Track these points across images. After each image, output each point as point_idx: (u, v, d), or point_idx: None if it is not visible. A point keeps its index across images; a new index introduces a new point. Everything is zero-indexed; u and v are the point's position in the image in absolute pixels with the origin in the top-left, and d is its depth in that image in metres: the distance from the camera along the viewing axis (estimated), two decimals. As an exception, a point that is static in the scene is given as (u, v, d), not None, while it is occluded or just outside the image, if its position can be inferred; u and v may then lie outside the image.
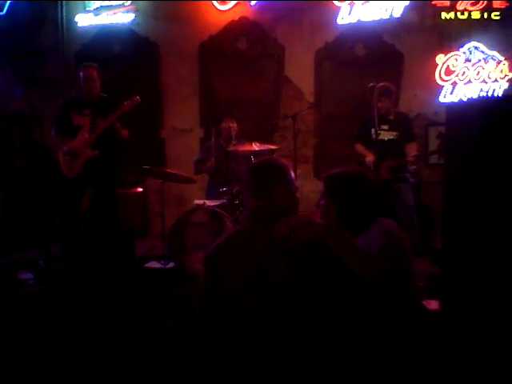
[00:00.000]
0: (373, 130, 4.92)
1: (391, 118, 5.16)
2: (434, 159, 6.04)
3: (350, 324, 1.84)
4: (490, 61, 6.26)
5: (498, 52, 6.25)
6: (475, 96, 6.23)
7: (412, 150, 5.17)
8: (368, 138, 4.88)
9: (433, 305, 3.35)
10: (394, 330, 2.08)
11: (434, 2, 6.31)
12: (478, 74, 6.29)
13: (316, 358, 1.77)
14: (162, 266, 4.68)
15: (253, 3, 6.64)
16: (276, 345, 1.77)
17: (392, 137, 5.11)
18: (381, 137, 5.09)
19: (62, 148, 4.80)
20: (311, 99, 6.76)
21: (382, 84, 5.04)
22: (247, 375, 1.80)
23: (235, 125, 5.49)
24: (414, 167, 5.14)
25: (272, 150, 5.54)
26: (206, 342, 1.90)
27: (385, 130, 5.10)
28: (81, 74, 4.88)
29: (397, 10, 6.30)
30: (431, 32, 6.43)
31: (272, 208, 1.97)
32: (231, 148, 5.23)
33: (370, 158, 4.97)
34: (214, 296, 1.87)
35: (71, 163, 4.77)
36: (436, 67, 6.33)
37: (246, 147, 5.10)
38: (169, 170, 5.32)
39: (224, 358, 1.84)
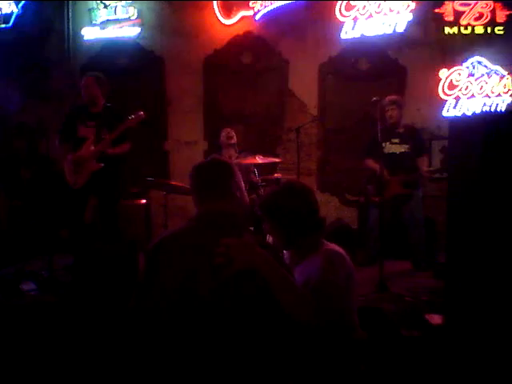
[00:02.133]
0: (383, 144, 4.93)
1: (401, 131, 5.18)
2: (435, 173, 6.04)
3: (263, 351, 1.80)
4: (494, 75, 6.27)
5: (502, 66, 6.26)
6: (478, 110, 6.24)
7: (424, 163, 5.19)
8: (379, 153, 4.85)
9: (436, 319, 3.34)
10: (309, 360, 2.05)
11: (437, 10, 6.35)
12: (481, 88, 6.31)
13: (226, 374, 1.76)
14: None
15: (257, 18, 6.70)
16: (193, 346, 1.78)
17: (403, 150, 5.12)
18: (392, 150, 5.11)
19: (66, 157, 4.80)
20: (315, 113, 6.79)
21: (392, 96, 5.14)
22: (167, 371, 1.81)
23: (233, 134, 5.51)
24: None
25: (275, 163, 5.57)
26: (134, 331, 1.90)
27: (396, 143, 5.12)
28: (81, 83, 4.92)
29: (400, 24, 6.34)
30: (434, 47, 6.46)
31: (220, 213, 1.95)
32: (234, 161, 5.24)
33: (383, 171, 4.95)
34: (148, 287, 1.87)
35: (76, 174, 4.75)
36: (439, 81, 6.34)
37: (249, 160, 5.12)
38: (173, 182, 5.33)
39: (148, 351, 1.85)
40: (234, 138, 5.51)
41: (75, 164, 4.74)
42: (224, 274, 1.72)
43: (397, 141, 5.13)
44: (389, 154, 5.06)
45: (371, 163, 5.16)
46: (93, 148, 4.72)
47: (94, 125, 4.77)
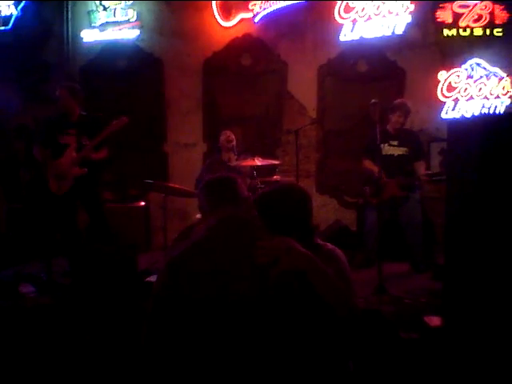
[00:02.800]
0: (382, 146, 4.93)
1: (400, 134, 5.19)
2: (435, 176, 6.05)
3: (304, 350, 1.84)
4: (492, 77, 6.28)
5: (500, 68, 6.27)
6: (477, 112, 6.25)
7: (421, 167, 5.20)
8: (377, 154, 4.84)
9: (435, 321, 3.34)
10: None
11: (435, 12, 6.37)
12: (479, 90, 6.31)
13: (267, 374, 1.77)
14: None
15: (256, 20, 6.70)
16: (228, 358, 1.76)
17: (401, 152, 5.13)
18: (390, 152, 5.12)
19: (47, 166, 4.83)
20: (314, 115, 6.79)
21: (402, 101, 5.20)
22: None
23: (233, 137, 5.51)
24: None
25: (274, 165, 5.57)
26: (152, 347, 1.86)
27: (394, 145, 5.14)
28: (58, 92, 4.93)
29: (399, 27, 6.35)
30: (433, 49, 6.47)
31: (237, 219, 1.96)
32: (233, 163, 5.25)
33: (379, 172, 4.96)
34: (170, 302, 1.83)
35: (60, 181, 4.80)
36: (438, 83, 6.35)
37: (248, 162, 5.12)
38: (171, 185, 5.33)
39: (169, 364, 1.83)
40: (234, 141, 5.52)
41: (58, 171, 4.78)
42: (271, 274, 1.70)
43: (395, 143, 5.14)
44: (386, 155, 5.07)
45: (369, 164, 5.17)
46: (75, 154, 4.78)
47: (74, 132, 4.82)
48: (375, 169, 4.93)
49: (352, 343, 2.05)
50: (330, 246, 2.22)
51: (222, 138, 5.51)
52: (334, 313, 1.77)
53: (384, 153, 5.04)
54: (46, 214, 5.45)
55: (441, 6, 6.36)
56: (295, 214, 2.15)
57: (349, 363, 2.15)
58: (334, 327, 1.85)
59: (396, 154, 5.13)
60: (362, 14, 6.41)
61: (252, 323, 1.76)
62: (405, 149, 5.13)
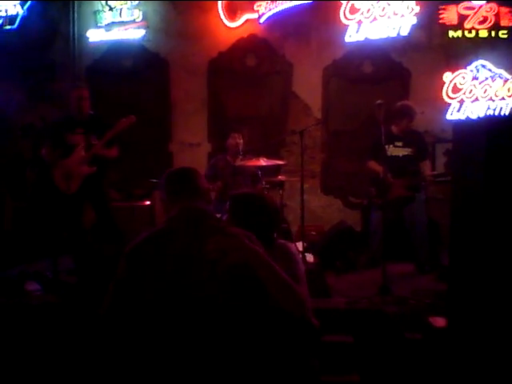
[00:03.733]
0: (387, 147, 4.93)
1: (405, 134, 5.19)
2: (440, 177, 6.04)
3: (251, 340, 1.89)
4: (497, 79, 6.28)
5: (505, 70, 6.27)
6: (482, 114, 6.25)
7: (427, 167, 5.19)
8: (382, 155, 4.84)
9: (439, 322, 3.34)
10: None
11: (441, 13, 6.37)
12: (485, 91, 6.31)
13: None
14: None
15: (262, 21, 6.72)
16: (183, 345, 1.81)
17: (406, 153, 5.12)
18: (395, 153, 5.11)
19: (56, 166, 4.83)
20: (319, 115, 6.80)
21: (409, 105, 5.18)
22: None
23: (241, 141, 5.53)
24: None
25: (279, 165, 5.58)
26: (110, 326, 1.93)
27: (399, 146, 5.13)
28: (74, 93, 4.90)
29: (404, 28, 6.35)
30: (438, 50, 6.48)
31: (195, 210, 2.00)
32: (238, 163, 5.26)
33: (384, 173, 4.96)
34: (133, 289, 1.87)
35: (68, 180, 4.79)
36: (443, 85, 6.35)
37: (253, 162, 5.13)
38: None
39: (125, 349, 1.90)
40: (241, 144, 5.52)
41: (67, 170, 4.78)
42: (219, 269, 1.77)
43: (400, 144, 5.14)
44: (392, 156, 5.06)
45: (374, 165, 5.16)
46: (84, 153, 4.77)
47: (82, 132, 4.81)
48: (380, 169, 4.93)
49: (305, 337, 2.14)
50: (280, 240, 2.41)
51: (231, 140, 5.52)
52: (280, 304, 1.84)
53: (389, 154, 5.04)
54: (52, 213, 5.46)
55: (446, 7, 6.36)
56: (264, 223, 2.34)
57: (311, 360, 2.24)
58: (283, 321, 1.93)
59: (401, 155, 5.12)
60: (367, 15, 6.42)
61: (202, 314, 1.81)
62: (410, 149, 5.12)
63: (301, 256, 5.07)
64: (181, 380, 1.80)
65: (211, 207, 2.18)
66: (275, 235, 2.42)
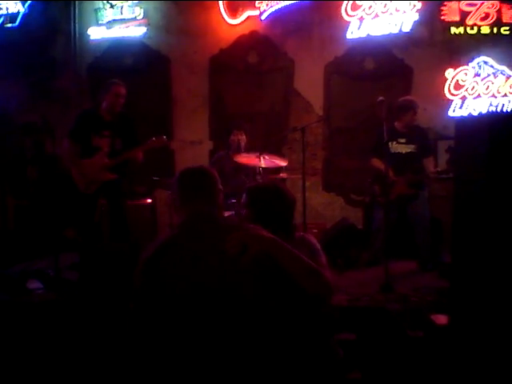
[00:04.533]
0: (390, 144, 4.92)
1: (408, 131, 5.17)
2: (443, 174, 6.02)
3: (284, 330, 1.93)
4: (500, 75, 6.26)
5: (508, 67, 6.25)
6: (484, 110, 6.23)
7: (430, 164, 5.18)
8: (385, 152, 4.82)
9: (441, 319, 3.34)
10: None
11: (442, 10, 6.35)
12: (487, 88, 6.29)
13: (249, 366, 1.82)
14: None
15: (263, 17, 6.70)
16: (208, 349, 1.81)
17: (410, 150, 5.11)
18: (398, 150, 5.10)
19: (77, 166, 4.78)
20: (320, 112, 6.79)
21: (412, 99, 5.17)
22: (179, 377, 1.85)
23: (244, 137, 5.52)
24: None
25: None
26: (138, 345, 1.94)
27: (402, 143, 5.11)
28: (112, 89, 4.81)
29: (406, 24, 6.33)
30: (440, 46, 6.46)
31: (209, 215, 2.00)
32: (240, 160, 5.25)
33: (388, 172, 4.94)
34: (152, 298, 1.88)
35: (88, 182, 4.73)
36: (445, 81, 6.34)
37: (254, 159, 5.12)
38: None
39: (157, 357, 1.88)
40: (244, 142, 5.52)
41: (87, 172, 4.73)
42: (242, 262, 1.78)
43: (403, 141, 5.12)
44: (395, 153, 5.05)
45: (377, 163, 5.15)
46: (107, 160, 4.71)
47: (108, 134, 4.73)
48: (383, 167, 4.93)
49: (330, 322, 2.19)
50: (300, 233, 2.42)
51: (233, 137, 5.51)
52: (306, 291, 1.86)
53: (392, 151, 5.03)
54: (56, 209, 5.44)
55: (448, 4, 6.34)
56: (283, 211, 2.37)
57: (337, 349, 2.24)
58: (309, 306, 1.99)
59: (404, 152, 5.11)
60: (369, 11, 6.40)
61: (227, 314, 1.81)
62: (413, 146, 5.10)
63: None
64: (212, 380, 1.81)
65: (220, 210, 2.16)
66: (294, 227, 2.42)
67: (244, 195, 2.43)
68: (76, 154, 4.80)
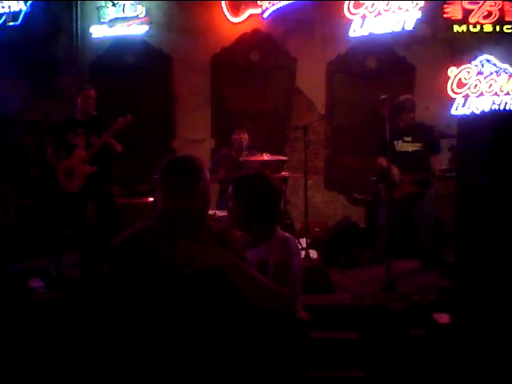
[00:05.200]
0: (395, 143, 4.91)
1: (414, 129, 5.16)
2: (447, 172, 6.00)
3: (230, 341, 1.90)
4: (502, 74, 6.25)
5: (510, 65, 6.24)
6: (487, 109, 6.22)
7: (437, 162, 5.15)
8: (391, 151, 4.80)
9: (443, 318, 3.33)
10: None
11: (445, 8, 6.34)
12: (490, 86, 6.28)
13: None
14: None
15: (265, 16, 6.69)
16: (162, 344, 1.82)
17: (416, 148, 5.09)
18: (404, 148, 5.08)
19: (58, 166, 4.88)
20: (322, 111, 6.78)
21: (406, 97, 5.16)
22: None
23: (246, 136, 5.51)
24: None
25: (282, 161, 5.56)
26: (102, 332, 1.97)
27: (408, 141, 5.10)
28: (82, 93, 4.96)
29: (409, 22, 6.32)
30: (443, 45, 6.44)
31: (182, 212, 1.93)
32: (242, 159, 5.25)
33: (395, 171, 4.93)
34: (113, 287, 1.90)
35: (70, 180, 4.85)
36: (448, 80, 6.32)
37: (256, 158, 5.12)
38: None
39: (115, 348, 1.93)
40: (246, 141, 5.51)
41: (68, 169, 4.83)
42: (186, 273, 1.78)
43: (409, 139, 5.10)
44: (401, 152, 5.03)
45: (384, 162, 5.13)
46: (84, 153, 4.82)
47: (83, 132, 4.87)
48: (390, 166, 4.92)
49: (293, 332, 2.18)
50: (284, 234, 2.35)
51: (235, 136, 5.50)
52: (259, 305, 1.86)
53: (398, 149, 5.02)
54: (55, 210, 5.48)
55: (451, 2, 6.33)
56: (270, 198, 2.32)
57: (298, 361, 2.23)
58: (261, 320, 1.97)
59: (410, 150, 5.09)
60: (371, 9, 6.39)
61: (177, 316, 1.82)
62: (419, 144, 5.08)
63: (301, 250, 5.09)
64: (160, 377, 1.82)
65: (202, 203, 2.03)
66: (279, 216, 2.40)
67: (230, 186, 2.38)
68: (57, 158, 4.93)
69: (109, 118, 4.98)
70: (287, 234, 2.34)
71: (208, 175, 2.03)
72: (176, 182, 1.97)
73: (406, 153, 5.07)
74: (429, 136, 5.17)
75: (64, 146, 4.89)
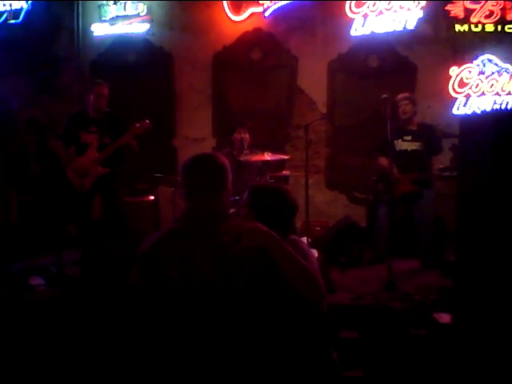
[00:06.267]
0: (395, 142, 4.91)
1: (414, 128, 5.16)
2: (446, 171, 6.00)
3: (274, 332, 1.88)
4: (504, 73, 6.23)
5: (512, 65, 6.23)
6: (488, 108, 6.21)
7: (438, 162, 5.15)
8: (390, 150, 4.80)
9: (444, 318, 3.34)
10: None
11: (447, 7, 6.33)
12: (491, 86, 6.27)
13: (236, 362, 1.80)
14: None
15: (267, 14, 6.69)
16: (203, 344, 1.79)
17: (415, 147, 5.09)
18: (404, 147, 5.08)
19: (70, 164, 4.86)
20: (324, 110, 6.77)
21: (405, 93, 5.22)
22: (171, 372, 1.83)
23: (247, 135, 5.51)
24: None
25: (284, 160, 5.55)
26: (134, 339, 1.94)
27: (408, 140, 5.10)
28: (94, 89, 4.92)
29: (410, 21, 6.31)
30: (445, 44, 6.43)
31: (209, 212, 1.92)
32: (243, 158, 5.25)
33: (393, 170, 4.93)
34: (147, 293, 1.87)
35: (82, 179, 4.84)
36: (449, 79, 6.31)
37: (258, 157, 5.12)
38: (181, 179, 5.32)
39: (150, 353, 1.88)
40: (248, 140, 5.51)
41: (80, 169, 4.81)
42: (232, 251, 1.75)
43: (409, 138, 5.10)
44: (400, 151, 5.04)
45: (383, 161, 5.13)
46: (97, 154, 4.81)
47: (95, 130, 4.85)
48: (389, 165, 4.93)
49: (322, 325, 2.14)
50: (296, 237, 2.34)
51: (236, 135, 5.50)
52: (298, 290, 1.82)
53: (397, 148, 5.02)
54: (56, 208, 5.49)
55: (452, 1, 6.32)
56: (284, 212, 2.33)
57: (331, 352, 2.21)
58: (300, 305, 1.93)
59: (409, 149, 5.09)
60: (373, 8, 6.38)
61: (217, 314, 1.79)
62: (419, 143, 5.08)
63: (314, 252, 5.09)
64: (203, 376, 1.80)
65: (223, 207, 2.03)
66: (292, 231, 2.39)
67: (246, 193, 2.37)
68: (69, 155, 4.91)
69: (123, 116, 4.95)
70: (294, 236, 2.33)
71: (230, 176, 2.03)
72: (203, 182, 1.95)
73: (405, 152, 5.07)
74: (429, 135, 5.17)
75: (74, 142, 4.86)
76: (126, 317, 1.93)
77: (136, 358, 1.93)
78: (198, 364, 1.79)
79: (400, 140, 5.08)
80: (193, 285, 1.79)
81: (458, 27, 6.31)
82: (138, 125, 4.78)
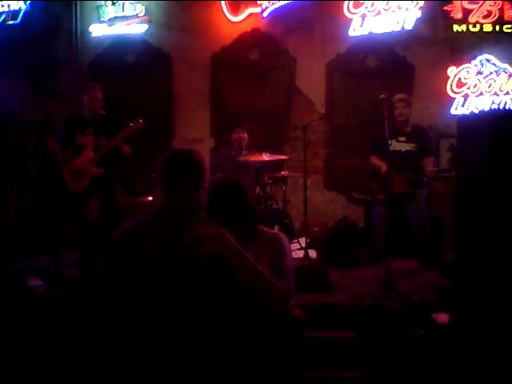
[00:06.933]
0: (389, 142, 4.91)
1: (408, 130, 5.17)
2: (443, 173, 6.01)
3: (227, 335, 1.90)
4: (502, 73, 6.24)
5: (510, 65, 6.23)
6: (487, 108, 6.21)
7: (429, 163, 5.16)
8: (386, 150, 4.80)
9: (442, 318, 3.34)
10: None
11: (445, 8, 6.33)
12: (489, 86, 6.28)
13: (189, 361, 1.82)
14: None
15: (265, 15, 6.69)
16: (153, 337, 1.83)
17: (409, 148, 5.10)
18: (397, 148, 5.09)
19: (66, 166, 4.88)
20: (322, 110, 6.78)
21: (401, 94, 5.19)
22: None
23: (246, 135, 5.50)
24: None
25: (282, 161, 5.54)
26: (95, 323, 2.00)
27: (402, 141, 5.11)
28: (87, 93, 4.95)
29: (408, 22, 6.32)
30: (443, 44, 6.44)
31: (178, 211, 1.91)
32: (242, 158, 5.25)
33: (383, 168, 4.94)
34: (109, 279, 1.91)
35: (77, 180, 4.86)
36: (447, 79, 6.32)
37: (256, 157, 5.12)
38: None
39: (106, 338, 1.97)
40: (246, 140, 5.50)
41: (76, 169, 4.83)
42: (193, 256, 1.77)
43: (403, 139, 5.12)
44: (394, 151, 5.04)
45: (375, 160, 5.15)
46: (92, 155, 4.82)
47: (91, 132, 4.87)
48: (380, 165, 4.93)
49: (286, 330, 2.15)
50: (273, 231, 2.37)
51: (235, 135, 5.49)
52: (256, 295, 1.87)
53: (391, 148, 5.02)
54: (55, 209, 5.49)
55: (450, 1, 6.33)
56: (232, 198, 2.27)
57: (293, 351, 2.23)
58: (256, 309, 1.95)
59: (403, 150, 5.10)
60: (371, 8, 6.39)
61: (169, 306, 1.81)
62: (412, 144, 5.10)
63: (301, 250, 5.10)
64: (159, 370, 1.82)
65: (202, 202, 2.02)
66: (260, 225, 2.35)
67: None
68: (66, 156, 4.92)
69: (118, 120, 4.97)
70: (275, 231, 2.35)
71: (208, 169, 2.03)
72: (177, 179, 1.94)
73: (399, 152, 5.08)
74: (423, 137, 5.19)
75: (71, 144, 4.89)
76: (92, 304, 1.95)
77: (102, 346, 2.03)
78: (151, 355, 1.82)
79: (394, 140, 5.09)
80: (148, 279, 1.82)
81: (456, 27, 6.32)
82: (131, 124, 4.81)
